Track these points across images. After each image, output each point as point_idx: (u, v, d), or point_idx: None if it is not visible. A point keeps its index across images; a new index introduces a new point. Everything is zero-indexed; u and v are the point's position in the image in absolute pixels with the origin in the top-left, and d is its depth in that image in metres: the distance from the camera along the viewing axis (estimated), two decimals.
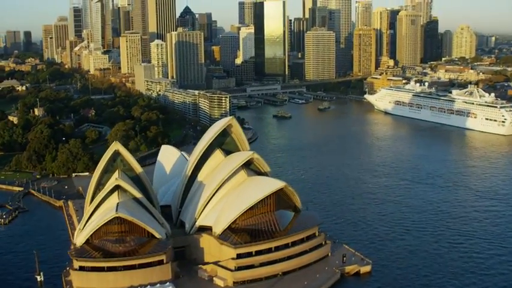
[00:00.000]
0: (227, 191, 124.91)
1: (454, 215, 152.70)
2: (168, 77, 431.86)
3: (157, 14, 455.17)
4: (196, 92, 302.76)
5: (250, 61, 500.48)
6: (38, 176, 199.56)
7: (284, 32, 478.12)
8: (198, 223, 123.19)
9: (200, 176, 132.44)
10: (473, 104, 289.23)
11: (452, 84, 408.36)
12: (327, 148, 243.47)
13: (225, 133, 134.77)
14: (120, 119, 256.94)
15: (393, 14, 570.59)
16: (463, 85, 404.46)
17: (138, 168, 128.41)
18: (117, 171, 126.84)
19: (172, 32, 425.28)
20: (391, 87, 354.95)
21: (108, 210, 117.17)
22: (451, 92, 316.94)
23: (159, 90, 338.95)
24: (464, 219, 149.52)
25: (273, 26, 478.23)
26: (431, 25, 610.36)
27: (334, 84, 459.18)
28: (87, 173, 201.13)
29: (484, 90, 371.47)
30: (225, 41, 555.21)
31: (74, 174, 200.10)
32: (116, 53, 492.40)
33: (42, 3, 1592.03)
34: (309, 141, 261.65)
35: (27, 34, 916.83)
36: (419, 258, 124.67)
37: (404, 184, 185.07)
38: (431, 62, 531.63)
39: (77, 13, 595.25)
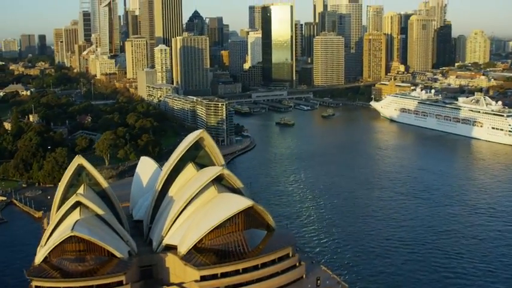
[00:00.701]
0: (196, 208, 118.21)
1: (446, 234, 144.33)
2: (173, 83, 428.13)
3: (163, 19, 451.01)
4: (195, 98, 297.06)
5: (258, 66, 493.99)
6: (23, 185, 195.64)
7: (292, 36, 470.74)
8: (165, 241, 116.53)
9: (171, 191, 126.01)
10: (479, 112, 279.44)
11: (462, 91, 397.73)
12: (325, 158, 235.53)
13: (197, 146, 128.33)
14: (114, 126, 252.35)
15: (405, 19, 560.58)
16: (473, 92, 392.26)
17: (103, 182, 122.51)
18: (82, 186, 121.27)
19: (177, 37, 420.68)
20: (396, 94, 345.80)
21: (67, 228, 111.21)
22: (457, 100, 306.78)
23: (160, 96, 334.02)
24: (455, 238, 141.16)
25: (281, 31, 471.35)
26: (444, 30, 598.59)
27: (342, 90, 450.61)
28: None
29: (494, 97, 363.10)
30: (234, 46, 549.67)
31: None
32: (123, 58, 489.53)
33: (58, 6, 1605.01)
34: (307, 150, 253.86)
35: (42, 38, 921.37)
36: (402, 281, 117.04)
37: (398, 198, 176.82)
38: (443, 68, 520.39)
39: (86, 17, 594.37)
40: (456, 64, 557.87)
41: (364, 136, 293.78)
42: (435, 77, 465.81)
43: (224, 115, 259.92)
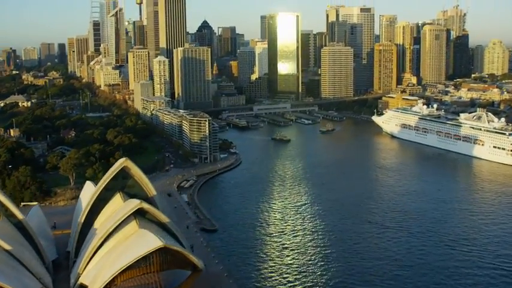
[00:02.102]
0: (115, 244, 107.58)
1: (414, 274, 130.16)
2: (174, 95, 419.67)
3: (166, 29, 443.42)
4: (182, 112, 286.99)
5: (264, 77, 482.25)
6: None
7: (297, 47, 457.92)
8: (80, 280, 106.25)
9: (97, 223, 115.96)
10: (480, 129, 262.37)
11: (473, 105, 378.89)
12: (310, 180, 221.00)
13: (125, 175, 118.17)
14: (92, 142, 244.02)
15: (420, 29, 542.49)
16: (484, 105, 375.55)
17: (18, 214, 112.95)
18: None
19: (178, 48, 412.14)
20: (397, 108, 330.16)
21: None
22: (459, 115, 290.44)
23: (153, 110, 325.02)
24: (424, 280, 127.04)
25: (287, 41, 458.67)
26: (461, 39, 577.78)
27: (349, 103, 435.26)
28: (35, 203, 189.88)
29: (505, 112, 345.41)
30: (243, 56, 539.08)
31: (22, 204, 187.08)
32: (127, 69, 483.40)
33: (78, 15, 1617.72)
34: (294, 170, 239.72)
35: (62, 46, 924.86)
36: None
37: (371, 229, 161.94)
38: (457, 80, 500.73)
39: (96, 27, 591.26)
40: (473, 75, 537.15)
41: (359, 154, 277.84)
42: (447, 89, 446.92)
43: (207, 131, 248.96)
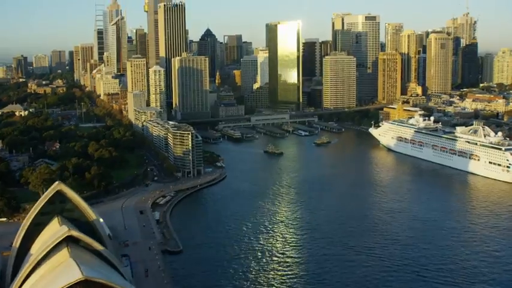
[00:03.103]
0: (44, 273, 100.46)
1: None
2: (171, 105, 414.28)
3: (166, 38, 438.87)
4: (170, 124, 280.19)
5: (265, 87, 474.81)
6: None
7: (298, 56, 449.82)
8: None
9: (33, 248, 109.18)
10: (476, 144, 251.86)
11: (476, 116, 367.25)
12: (292, 197, 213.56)
13: (62, 199, 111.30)
14: (74, 155, 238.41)
15: (427, 37, 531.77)
16: (487, 117, 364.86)
17: None
18: None
19: (176, 57, 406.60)
20: (394, 121, 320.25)
21: None
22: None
23: (144, 121, 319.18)
24: None
25: (287, 49, 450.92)
26: (470, 48, 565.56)
27: (349, 113, 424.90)
28: (4, 219, 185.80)
29: (508, 125, 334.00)
30: (246, 65, 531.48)
31: None
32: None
33: (88, 22, 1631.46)
34: (278, 186, 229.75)
35: (71, 54, 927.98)
36: None
37: (342, 255, 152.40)
38: (464, 89, 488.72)
39: (100, 35, 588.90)
40: (481, 85, 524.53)
41: (351, 169, 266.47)
42: (451, 99, 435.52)
43: (190, 145, 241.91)
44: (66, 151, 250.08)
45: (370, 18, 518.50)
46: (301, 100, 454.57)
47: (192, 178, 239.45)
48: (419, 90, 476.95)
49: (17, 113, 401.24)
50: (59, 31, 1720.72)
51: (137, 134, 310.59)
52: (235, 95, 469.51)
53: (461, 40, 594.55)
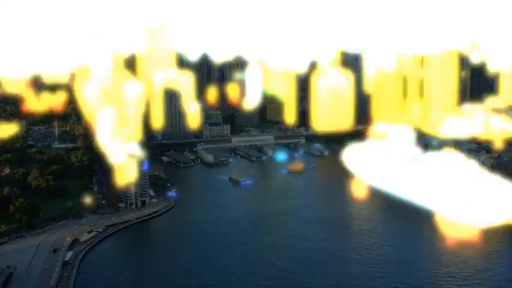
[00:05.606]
0: None
1: None
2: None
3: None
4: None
5: (256, 105, 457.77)
6: None
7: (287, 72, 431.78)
8: None
9: None
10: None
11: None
12: (229, 239, 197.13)
13: None
14: (12, 184, 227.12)
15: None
16: (478, 142, 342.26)
17: None
18: None
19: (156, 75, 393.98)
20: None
21: None
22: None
23: None
24: None
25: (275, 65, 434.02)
26: (478, 66, 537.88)
27: (339, 135, 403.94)
28: None
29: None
30: (240, 82, 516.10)
31: None
32: None
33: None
34: (227, 225, 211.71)
35: None
36: None
37: None
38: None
39: None
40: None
41: (316, 203, 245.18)
42: None
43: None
44: (6, 179, 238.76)
45: None
46: (293, 120, 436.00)
47: (134, 209, 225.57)
48: (418, 109, 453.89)
49: None
50: None
51: (100, 158, 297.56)
52: (228, 113, 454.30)
53: (469, 58, 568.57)
